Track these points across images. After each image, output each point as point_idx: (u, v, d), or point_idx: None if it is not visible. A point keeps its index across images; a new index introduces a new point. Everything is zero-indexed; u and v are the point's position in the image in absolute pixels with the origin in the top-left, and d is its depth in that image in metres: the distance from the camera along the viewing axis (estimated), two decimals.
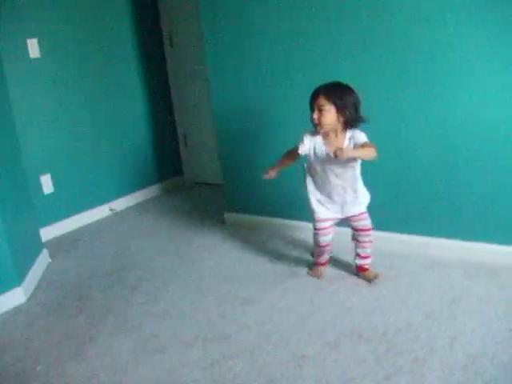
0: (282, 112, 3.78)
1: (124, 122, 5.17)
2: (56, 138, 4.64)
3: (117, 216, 5.01)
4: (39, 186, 4.55)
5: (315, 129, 2.97)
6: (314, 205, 3.19)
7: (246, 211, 4.24)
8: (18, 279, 3.50)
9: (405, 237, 3.51)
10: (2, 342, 3.11)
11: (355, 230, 3.22)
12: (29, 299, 3.55)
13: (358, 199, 3.14)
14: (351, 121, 2.91)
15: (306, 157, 3.11)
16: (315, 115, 2.90)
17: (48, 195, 4.62)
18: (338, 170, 3.03)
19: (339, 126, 2.94)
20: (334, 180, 3.07)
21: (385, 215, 3.54)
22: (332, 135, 2.98)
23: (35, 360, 2.88)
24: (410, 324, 2.74)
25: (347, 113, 2.87)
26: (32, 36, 4.37)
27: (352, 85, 2.92)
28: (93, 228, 4.78)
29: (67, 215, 4.78)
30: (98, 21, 4.86)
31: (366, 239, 3.21)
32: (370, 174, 3.48)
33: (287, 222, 4.04)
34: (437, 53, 3.12)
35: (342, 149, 2.74)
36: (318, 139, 3.03)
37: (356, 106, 2.90)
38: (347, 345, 2.64)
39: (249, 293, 3.23)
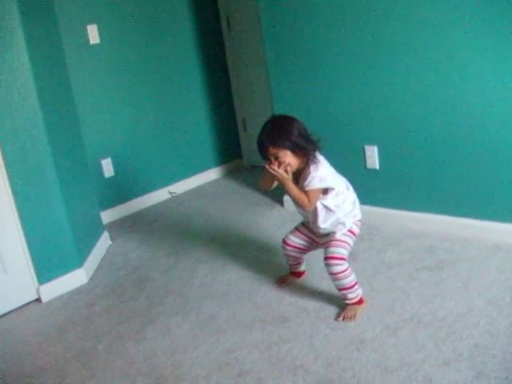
0: (341, 97, 3.75)
1: (183, 107, 5.20)
2: (116, 123, 4.71)
3: (176, 199, 5.05)
4: (100, 170, 4.63)
5: (279, 178, 2.72)
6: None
7: None
8: (79, 261, 3.58)
9: (465, 220, 3.43)
10: (64, 321, 3.19)
11: (324, 257, 2.80)
12: (90, 280, 3.63)
13: (325, 232, 2.87)
14: (309, 152, 2.69)
15: None
16: (274, 164, 2.68)
17: (109, 179, 4.70)
18: None
19: (302, 160, 2.71)
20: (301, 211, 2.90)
21: (445, 198, 3.48)
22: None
23: (96, 339, 2.95)
24: (471, 309, 2.69)
25: (301, 147, 2.66)
26: (91, 22, 4.43)
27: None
28: (153, 211, 4.84)
29: (127, 198, 4.86)
30: (157, 6, 4.89)
31: (334, 270, 2.74)
32: (432, 158, 3.44)
33: None
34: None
35: (277, 170, 2.66)
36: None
37: (304, 136, 2.69)
38: (406, 329, 2.61)
39: (306, 277, 3.23)
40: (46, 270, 3.44)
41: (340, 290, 2.80)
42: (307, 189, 2.68)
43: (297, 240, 3.02)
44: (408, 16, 3.28)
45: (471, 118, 3.23)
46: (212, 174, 5.50)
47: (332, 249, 2.76)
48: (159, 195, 5.05)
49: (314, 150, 2.71)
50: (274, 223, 4.11)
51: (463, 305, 2.74)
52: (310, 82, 3.90)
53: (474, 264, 3.12)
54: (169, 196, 5.11)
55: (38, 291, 3.44)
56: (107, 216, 4.60)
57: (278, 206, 4.43)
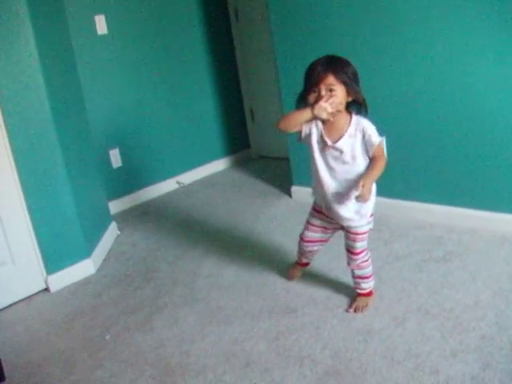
0: None
1: (191, 97, 5.19)
2: (124, 113, 4.71)
3: (184, 189, 5.06)
4: (108, 160, 4.64)
5: (320, 114, 2.44)
6: (311, 211, 2.87)
7: None
8: (87, 251, 3.59)
9: (473, 212, 3.42)
10: (72, 311, 3.21)
11: (345, 248, 2.78)
12: (98, 270, 3.64)
13: (354, 212, 2.64)
14: (360, 100, 2.49)
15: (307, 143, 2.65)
16: (324, 96, 2.41)
17: (117, 169, 4.71)
18: (338, 167, 2.57)
19: (342, 109, 2.49)
20: (329, 181, 2.61)
21: (453, 189, 3.47)
22: (331, 120, 2.50)
23: (104, 329, 2.96)
24: (478, 301, 2.69)
25: (357, 91, 2.47)
26: (99, 12, 4.43)
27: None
28: (160, 201, 4.85)
29: (135, 189, 4.86)
30: None
31: (354, 264, 2.75)
32: (441, 148, 3.43)
33: None
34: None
35: (363, 194, 2.41)
36: (318, 122, 2.57)
37: (359, 82, 2.49)
38: (413, 321, 2.62)
39: (314, 267, 3.23)
40: (54, 260, 3.45)
41: (357, 278, 2.79)
42: (378, 141, 2.49)
43: (313, 234, 2.87)
44: (415, 11, 3.27)
45: (480, 110, 3.21)
46: (220, 165, 5.50)
47: (358, 244, 2.69)
48: (167, 185, 5.06)
49: (365, 104, 2.51)
50: (282, 214, 4.11)
51: (470, 296, 2.73)
52: None
53: (481, 255, 3.12)
54: (177, 186, 5.11)
55: (46, 281, 3.45)
56: (115, 206, 4.61)
57: (286, 197, 4.42)
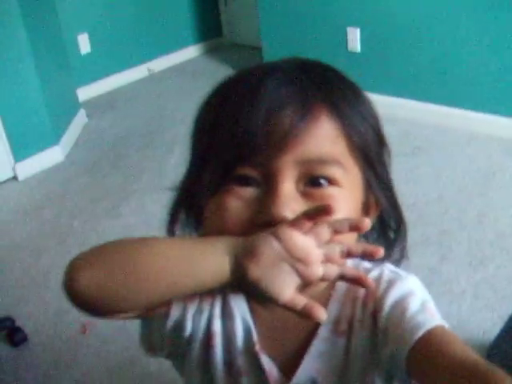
0: None
1: None
2: None
3: (155, 76, 4.97)
4: (76, 46, 4.51)
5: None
6: None
7: None
8: (55, 138, 3.57)
9: (443, 108, 3.41)
10: (40, 198, 3.22)
11: None
12: (66, 158, 3.63)
13: None
14: (395, 215, 0.83)
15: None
16: (292, 205, 0.67)
17: (85, 55, 4.59)
18: None
19: None
20: None
21: (424, 85, 3.45)
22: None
23: (72, 216, 2.99)
24: (441, 197, 2.73)
25: (391, 186, 0.80)
26: None
27: None
28: (130, 89, 4.76)
29: (104, 75, 4.75)
30: None
31: None
32: (414, 43, 3.39)
33: None
34: None
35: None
36: (236, 308, 0.80)
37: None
38: None
39: None
40: (21, 147, 3.43)
41: None
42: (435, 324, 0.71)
43: None
44: None
45: (452, 4, 3.17)
46: (191, 52, 5.37)
47: None
48: (137, 72, 4.95)
49: (404, 226, 0.83)
50: None
51: (434, 192, 2.78)
52: None
53: (448, 152, 3.15)
54: (147, 74, 5.02)
55: (14, 169, 3.43)
56: (83, 93, 4.50)
57: None
